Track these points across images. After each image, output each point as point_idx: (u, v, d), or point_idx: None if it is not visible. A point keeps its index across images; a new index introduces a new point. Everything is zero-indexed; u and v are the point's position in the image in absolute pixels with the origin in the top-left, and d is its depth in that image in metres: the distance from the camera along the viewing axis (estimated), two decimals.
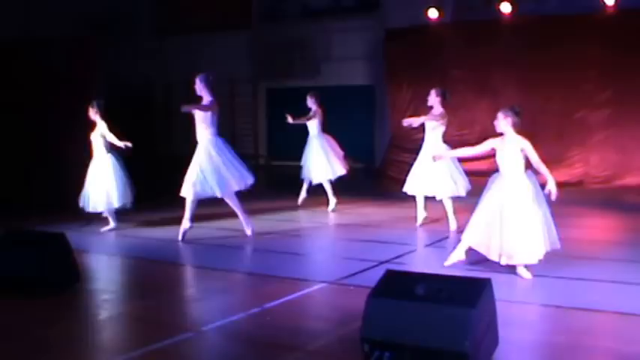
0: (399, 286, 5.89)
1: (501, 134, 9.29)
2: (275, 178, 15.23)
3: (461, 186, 11.90)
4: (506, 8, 17.22)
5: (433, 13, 18.15)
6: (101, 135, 12.54)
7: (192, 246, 11.43)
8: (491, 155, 9.51)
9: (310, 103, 14.11)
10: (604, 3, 16.10)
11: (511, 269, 8.75)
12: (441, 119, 12.06)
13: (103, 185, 12.51)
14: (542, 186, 9.15)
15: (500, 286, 6.26)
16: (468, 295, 5.63)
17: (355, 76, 19.65)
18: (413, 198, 12.34)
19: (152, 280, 9.69)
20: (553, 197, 8.97)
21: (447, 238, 11.20)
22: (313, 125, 14.14)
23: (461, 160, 12.06)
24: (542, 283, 8.60)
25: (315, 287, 8.60)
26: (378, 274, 6.34)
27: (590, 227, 12.73)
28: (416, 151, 12.64)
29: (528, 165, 9.22)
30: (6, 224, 10.14)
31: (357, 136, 14.19)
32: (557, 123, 16.94)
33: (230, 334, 6.98)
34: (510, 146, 9.15)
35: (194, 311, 7.91)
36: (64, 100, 13.43)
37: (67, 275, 8.53)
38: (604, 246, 11.18)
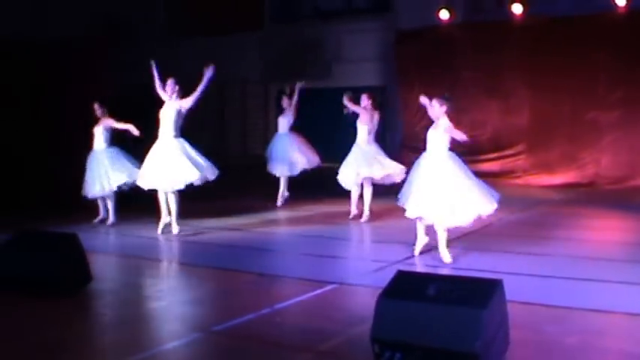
0: (409, 287, 5.90)
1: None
2: (296, 181, 15.28)
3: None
4: (517, 9, 17.23)
5: (444, 15, 18.18)
6: (107, 129, 13.07)
7: (202, 246, 11.48)
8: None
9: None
10: (615, 4, 16.11)
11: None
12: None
13: (100, 171, 12.93)
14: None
15: (511, 287, 6.23)
16: (479, 295, 5.62)
17: (367, 77, 19.67)
18: None
19: (163, 281, 9.78)
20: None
21: (458, 238, 11.19)
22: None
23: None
24: (553, 283, 8.60)
25: (326, 288, 8.60)
26: (389, 274, 6.34)
27: (602, 228, 12.72)
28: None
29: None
30: (18, 225, 10.15)
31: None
32: (568, 124, 16.97)
33: (240, 335, 6.99)
34: (440, 129, 9.95)
35: (204, 312, 7.90)
36: (76, 100, 13.47)
37: (78, 276, 8.54)
38: (615, 247, 11.16)
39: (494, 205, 9.71)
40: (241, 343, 6.76)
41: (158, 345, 6.80)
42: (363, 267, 9.69)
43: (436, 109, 10.00)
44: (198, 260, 10.65)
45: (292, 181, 15.23)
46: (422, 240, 10.22)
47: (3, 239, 8.90)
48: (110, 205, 13.26)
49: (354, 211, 13.38)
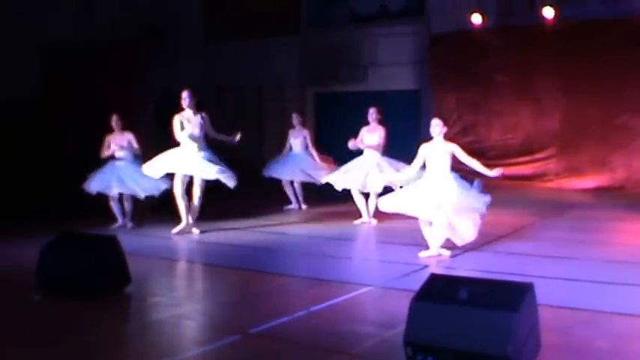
0: (442, 290, 5.93)
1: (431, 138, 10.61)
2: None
3: None
4: (548, 13, 17.21)
5: (477, 19, 18.19)
6: (129, 144, 13.38)
7: (238, 249, 11.58)
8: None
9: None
10: None
11: None
12: None
13: (123, 175, 13.19)
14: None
15: (542, 290, 6.28)
16: (510, 299, 5.64)
17: (401, 80, 19.74)
18: None
19: (200, 283, 9.95)
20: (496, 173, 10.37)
21: (491, 241, 11.23)
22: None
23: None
24: (583, 287, 8.62)
25: (360, 291, 8.69)
26: (422, 278, 6.42)
27: (632, 231, 12.65)
28: None
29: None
30: (58, 226, 10.32)
31: (403, 140, 14.21)
32: (599, 128, 16.94)
33: (276, 337, 7.07)
34: (440, 149, 10.43)
35: (241, 314, 7.97)
36: (115, 107, 13.68)
37: (118, 278, 8.69)
38: None
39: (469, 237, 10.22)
40: (277, 346, 6.84)
41: (195, 347, 6.92)
42: (395, 270, 9.75)
43: (435, 128, 10.48)
44: (230, 262, 10.76)
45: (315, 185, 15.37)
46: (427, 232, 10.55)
47: (45, 241, 9.07)
48: (128, 208, 13.50)
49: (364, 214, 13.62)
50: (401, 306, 6.35)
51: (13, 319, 7.81)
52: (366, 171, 13.14)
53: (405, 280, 8.99)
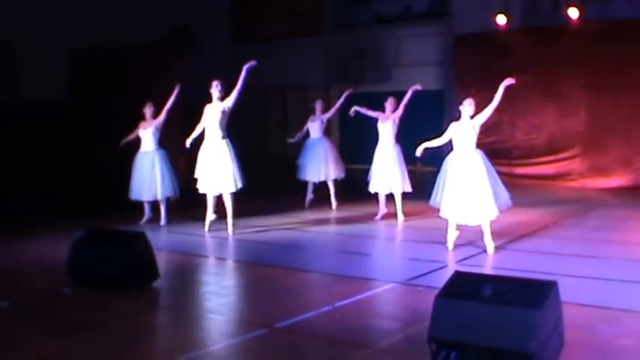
0: (466, 287, 5.97)
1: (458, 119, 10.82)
2: (347, 182, 15.40)
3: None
4: (573, 13, 17.18)
5: (501, 19, 18.19)
6: (159, 128, 13.52)
7: (265, 246, 11.67)
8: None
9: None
10: None
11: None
12: None
13: (152, 176, 13.35)
14: None
15: (566, 288, 6.32)
16: (534, 296, 5.67)
17: (425, 81, 19.69)
18: None
19: (224, 278, 10.06)
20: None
21: (515, 240, 11.26)
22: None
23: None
24: (608, 285, 8.61)
25: (385, 287, 8.77)
26: (446, 275, 6.47)
27: None
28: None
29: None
30: (89, 223, 10.45)
31: (427, 140, 14.30)
32: (625, 127, 16.88)
33: (302, 331, 7.16)
34: (468, 126, 10.60)
35: (268, 308, 8.03)
36: (144, 106, 13.82)
37: (147, 273, 8.85)
38: None
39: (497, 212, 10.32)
40: (303, 340, 6.92)
41: (223, 340, 7.05)
42: (419, 267, 9.79)
43: (467, 107, 10.66)
44: (255, 258, 10.89)
45: (341, 181, 15.45)
46: (453, 234, 10.67)
47: (74, 236, 9.23)
48: (162, 207, 13.60)
49: (383, 210, 13.73)
50: (425, 303, 6.43)
51: (44, 310, 7.99)
52: (387, 172, 13.30)
53: (430, 278, 9.04)
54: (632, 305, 7.69)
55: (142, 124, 13.55)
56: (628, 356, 6.34)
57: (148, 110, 13.57)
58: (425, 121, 16.85)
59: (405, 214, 13.43)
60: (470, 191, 10.26)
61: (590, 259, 10.19)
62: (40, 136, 15.27)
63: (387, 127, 13.46)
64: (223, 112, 12.30)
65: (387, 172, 13.33)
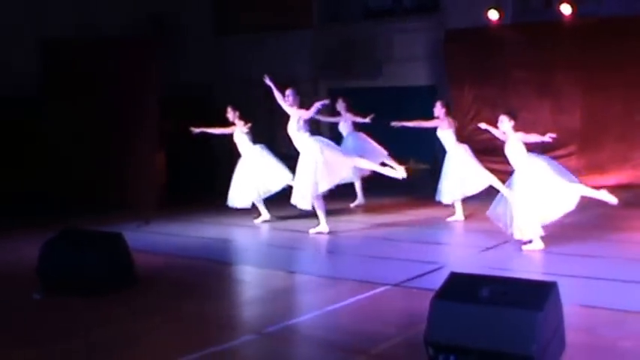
0: (463, 289, 5.87)
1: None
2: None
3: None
4: (566, 10, 17.07)
5: (493, 15, 18.06)
6: (244, 132, 13.49)
7: (255, 247, 11.56)
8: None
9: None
10: None
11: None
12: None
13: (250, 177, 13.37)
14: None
15: (566, 289, 6.22)
16: (533, 298, 5.59)
17: (416, 76, 19.61)
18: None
19: (214, 281, 9.80)
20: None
21: (512, 240, 11.13)
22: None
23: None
24: (608, 286, 8.52)
25: (379, 290, 8.62)
26: (442, 276, 6.33)
27: None
28: (479, 151, 12.79)
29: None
30: (65, 223, 10.26)
31: (419, 137, 14.15)
32: (619, 124, 16.79)
33: (293, 336, 7.04)
34: (512, 143, 10.66)
35: (258, 313, 7.95)
36: (121, 99, 13.59)
37: (124, 276, 8.63)
38: None
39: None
40: (295, 345, 6.81)
41: (210, 346, 6.79)
42: (416, 268, 9.62)
43: (505, 124, 10.62)
44: (250, 261, 10.75)
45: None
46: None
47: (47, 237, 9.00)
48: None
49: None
50: (421, 305, 6.29)
51: (14, 317, 7.82)
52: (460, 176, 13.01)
53: (425, 279, 8.91)
54: (633, 306, 7.59)
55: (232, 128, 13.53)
56: (630, 358, 6.25)
57: (231, 113, 13.52)
58: (416, 116, 16.77)
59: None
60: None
61: (590, 258, 10.09)
62: (11, 131, 15.00)
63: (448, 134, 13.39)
64: (299, 120, 12.32)
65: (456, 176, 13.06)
